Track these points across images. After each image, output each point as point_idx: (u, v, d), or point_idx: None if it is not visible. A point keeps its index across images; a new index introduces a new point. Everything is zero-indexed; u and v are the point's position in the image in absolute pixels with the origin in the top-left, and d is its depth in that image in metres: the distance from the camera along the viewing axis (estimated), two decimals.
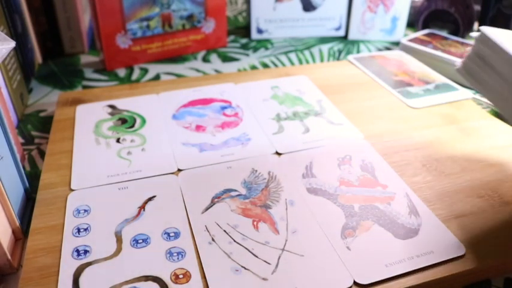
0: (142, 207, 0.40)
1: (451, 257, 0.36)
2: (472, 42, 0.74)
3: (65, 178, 0.44)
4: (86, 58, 0.74)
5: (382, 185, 0.43)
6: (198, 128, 0.52)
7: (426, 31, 0.78)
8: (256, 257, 0.35)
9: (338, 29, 0.83)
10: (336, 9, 0.81)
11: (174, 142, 0.49)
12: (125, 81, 0.67)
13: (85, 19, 0.75)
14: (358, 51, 0.78)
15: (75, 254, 0.35)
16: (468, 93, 0.60)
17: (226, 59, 0.75)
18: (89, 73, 0.69)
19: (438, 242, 0.37)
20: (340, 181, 0.44)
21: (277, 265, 0.35)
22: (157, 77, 0.68)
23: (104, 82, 0.67)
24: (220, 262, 0.35)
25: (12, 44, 0.36)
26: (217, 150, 0.48)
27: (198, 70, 0.71)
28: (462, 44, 0.72)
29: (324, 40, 0.83)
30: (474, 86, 0.44)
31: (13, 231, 0.38)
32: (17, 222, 0.38)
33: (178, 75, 0.69)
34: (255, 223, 0.39)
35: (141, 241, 0.37)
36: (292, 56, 0.76)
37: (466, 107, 0.57)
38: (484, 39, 0.42)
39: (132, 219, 0.39)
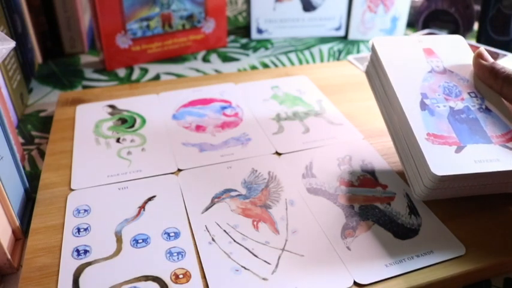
0: (142, 207, 0.40)
1: (451, 257, 0.36)
2: (471, 42, 0.74)
3: (65, 178, 0.44)
4: (86, 58, 0.74)
5: (382, 185, 0.43)
6: (198, 128, 0.52)
7: (426, 31, 0.78)
8: (256, 257, 0.35)
9: (338, 29, 0.83)
10: (336, 9, 0.81)
11: (174, 142, 0.49)
12: (124, 81, 0.67)
13: (85, 19, 0.75)
14: (358, 51, 0.78)
15: (75, 254, 0.35)
16: None
17: (226, 59, 0.75)
18: (89, 73, 0.69)
19: (438, 242, 0.37)
20: (340, 181, 0.44)
21: (277, 265, 0.35)
22: (157, 77, 0.68)
23: (104, 82, 0.67)
24: (220, 262, 0.35)
25: (12, 44, 0.36)
26: (217, 150, 0.48)
27: (198, 70, 0.71)
28: None
29: (324, 40, 0.83)
30: (370, 88, 0.47)
31: (13, 231, 0.38)
32: (17, 222, 0.38)
33: (178, 75, 0.69)
34: (255, 223, 0.39)
35: (141, 241, 0.37)
36: (292, 56, 0.76)
37: None
38: (373, 49, 0.46)
39: (132, 219, 0.39)
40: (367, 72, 0.48)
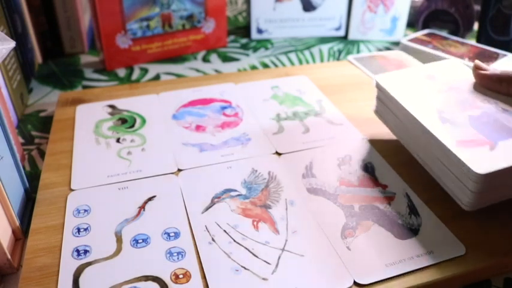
0: (142, 207, 0.40)
1: (451, 257, 0.36)
2: (470, 42, 0.74)
3: (65, 178, 0.44)
4: (86, 58, 0.74)
5: (382, 185, 0.43)
6: (198, 128, 0.52)
7: (426, 31, 0.78)
8: (256, 257, 0.35)
9: (338, 29, 0.83)
10: (336, 9, 0.81)
11: (174, 142, 0.49)
12: (124, 81, 0.67)
13: (85, 19, 0.75)
14: (358, 51, 0.78)
15: (75, 254, 0.35)
16: None
17: (226, 59, 0.75)
18: (89, 73, 0.69)
19: (438, 242, 0.37)
20: (340, 181, 0.44)
21: (277, 265, 0.35)
22: (157, 77, 0.68)
23: (104, 82, 0.67)
24: (220, 262, 0.35)
25: (12, 44, 0.36)
26: (217, 150, 0.48)
27: (198, 70, 0.71)
28: (462, 44, 0.72)
29: (324, 40, 0.83)
30: (384, 123, 0.49)
31: (13, 231, 0.38)
32: (17, 222, 0.38)
33: (178, 75, 0.69)
34: (255, 223, 0.39)
35: (141, 241, 0.37)
36: (292, 56, 0.76)
37: None
38: (379, 87, 0.47)
39: (132, 219, 0.39)
40: (377, 112, 0.49)
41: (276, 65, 0.73)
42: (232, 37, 0.83)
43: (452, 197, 0.39)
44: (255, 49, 0.79)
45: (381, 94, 0.48)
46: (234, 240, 0.37)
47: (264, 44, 0.81)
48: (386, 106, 0.47)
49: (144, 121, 0.53)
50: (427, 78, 0.47)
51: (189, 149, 0.48)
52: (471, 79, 0.46)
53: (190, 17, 0.73)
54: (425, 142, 0.41)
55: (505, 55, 0.67)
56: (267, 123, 0.53)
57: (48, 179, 0.44)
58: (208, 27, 0.75)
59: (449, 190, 0.39)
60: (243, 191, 0.42)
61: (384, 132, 0.52)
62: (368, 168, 0.46)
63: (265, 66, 0.73)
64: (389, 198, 0.42)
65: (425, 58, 0.70)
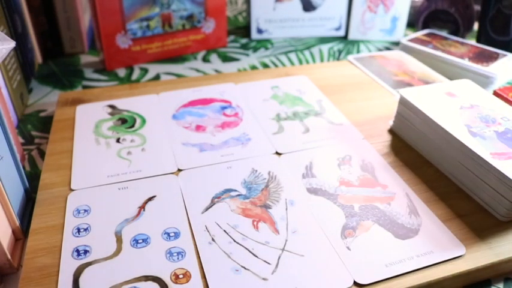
0: (142, 207, 0.40)
1: (451, 257, 0.36)
2: (470, 42, 0.74)
3: (65, 178, 0.44)
4: (86, 58, 0.74)
5: (382, 185, 0.43)
6: (198, 128, 0.52)
7: (426, 31, 0.78)
8: (256, 257, 0.35)
9: (338, 29, 0.83)
10: (336, 9, 0.81)
11: (174, 142, 0.49)
12: (124, 81, 0.67)
13: (85, 19, 0.75)
14: (358, 51, 0.78)
15: (75, 254, 0.35)
16: None
17: (226, 59, 0.75)
18: (89, 73, 0.69)
19: (438, 242, 0.37)
20: (340, 181, 0.44)
21: (277, 265, 0.35)
22: (157, 77, 0.68)
23: (104, 82, 0.67)
24: (220, 262, 0.35)
25: (12, 44, 0.36)
26: (217, 150, 0.48)
27: (198, 70, 0.71)
28: (462, 44, 0.72)
29: (324, 40, 0.83)
30: (403, 137, 0.50)
31: (13, 231, 0.38)
32: (17, 222, 0.38)
33: (178, 75, 0.69)
34: (255, 223, 0.39)
35: (141, 241, 0.37)
36: (292, 56, 0.76)
37: None
38: (405, 102, 0.49)
39: (132, 219, 0.39)
40: (396, 128, 0.51)
41: (276, 65, 0.73)
42: (232, 37, 0.83)
43: (487, 208, 0.40)
44: (255, 49, 0.79)
45: (405, 110, 0.49)
46: (234, 240, 0.37)
47: (264, 44, 0.81)
48: (409, 121, 0.48)
49: (144, 121, 0.53)
50: (448, 95, 0.49)
51: (189, 149, 0.48)
52: (489, 98, 0.48)
53: (190, 17, 0.73)
54: (455, 155, 0.43)
55: (505, 55, 0.67)
56: (267, 123, 0.53)
57: (48, 179, 0.44)
58: (208, 27, 0.75)
59: (484, 203, 0.41)
60: (243, 191, 0.42)
61: (383, 132, 0.52)
62: (368, 168, 0.46)
63: (265, 66, 0.73)
64: (389, 198, 0.42)
65: (425, 58, 0.70)
